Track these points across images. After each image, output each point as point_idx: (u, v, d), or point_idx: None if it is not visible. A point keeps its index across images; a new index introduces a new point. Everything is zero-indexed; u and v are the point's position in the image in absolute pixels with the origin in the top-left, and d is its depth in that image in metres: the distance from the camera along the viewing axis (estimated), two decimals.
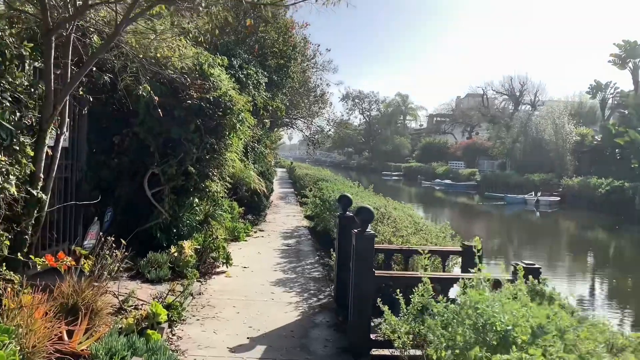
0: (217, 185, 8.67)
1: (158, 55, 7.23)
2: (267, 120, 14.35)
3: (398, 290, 4.59)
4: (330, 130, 25.27)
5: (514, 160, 54.48)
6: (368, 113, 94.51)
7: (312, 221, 16.06)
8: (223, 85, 8.07)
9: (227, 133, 8.19)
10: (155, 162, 7.72)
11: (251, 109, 9.36)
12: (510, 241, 26.87)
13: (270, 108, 13.27)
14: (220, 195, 9.35)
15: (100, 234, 5.85)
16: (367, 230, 5.46)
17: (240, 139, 8.90)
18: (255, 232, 13.43)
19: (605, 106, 48.89)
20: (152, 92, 7.06)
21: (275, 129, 25.25)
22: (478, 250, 4.41)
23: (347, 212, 7.14)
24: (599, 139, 45.53)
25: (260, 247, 11.48)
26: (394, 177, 74.35)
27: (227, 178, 9.30)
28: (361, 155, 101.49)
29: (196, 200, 8.48)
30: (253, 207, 14.35)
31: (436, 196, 52.42)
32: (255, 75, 11.64)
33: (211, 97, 7.76)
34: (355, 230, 5.59)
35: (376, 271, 5.46)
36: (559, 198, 39.91)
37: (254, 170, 13.79)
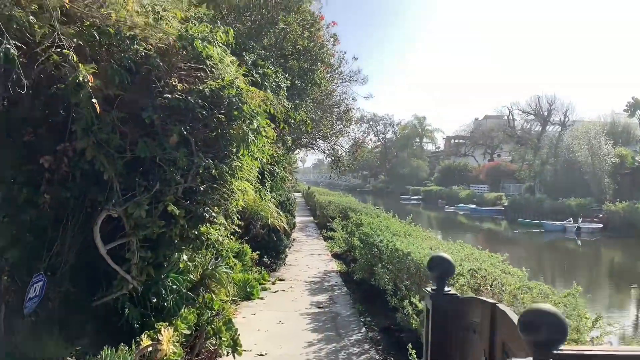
0: (218, 231, 5.56)
1: (115, 17, 4.23)
2: (288, 137, 11.32)
3: None
4: (346, 153, 22.12)
5: (543, 183, 51.08)
6: (383, 135, 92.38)
7: (342, 262, 12.86)
8: (227, 73, 5.02)
9: (235, 149, 5.10)
10: (113, 197, 4.63)
11: (270, 114, 6.33)
12: (581, 276, 23.33)
13: (293, 121, 10.22)
14: (226, 243, 6.25)
15: None
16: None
17: (256, 159, 5.78)
18: (273, 283, 10.26)
19: None
20: (105, 79, 4.07)
21: (297, 150, 22.22)
22: None
23: (447, 289, 3.96)
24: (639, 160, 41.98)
25: (281, 311, 8.29)
26: (412, 201, 71.65)
27: (236, 217, 6.20)
28: (377, 178, 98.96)
29: (184, 256, 5.38)
30: (270, 247, 11.21)
31: (461, 222, 49.22)
32: (274, 75, 8.61)
33: (207, 91, 4.69)
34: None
35: None
36: (601, 225, 36.29)
37: (272, 201, 10.69)
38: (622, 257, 30.18)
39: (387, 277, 6.88)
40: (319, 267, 12.38)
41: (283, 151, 11.76)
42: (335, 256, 14.33)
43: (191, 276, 6.32)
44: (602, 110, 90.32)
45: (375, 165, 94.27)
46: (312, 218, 26.42)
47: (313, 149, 21.42)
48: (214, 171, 5.06)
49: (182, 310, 5.68)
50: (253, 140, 5.01)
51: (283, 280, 10.66)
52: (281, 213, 11.13)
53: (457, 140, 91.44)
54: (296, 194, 45.55)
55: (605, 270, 26.37)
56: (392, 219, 11.91)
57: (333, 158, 20.15)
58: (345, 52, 18.58)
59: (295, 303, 8.85)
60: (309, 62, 11.31)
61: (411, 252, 6.28)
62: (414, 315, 5.19)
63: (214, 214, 5.18)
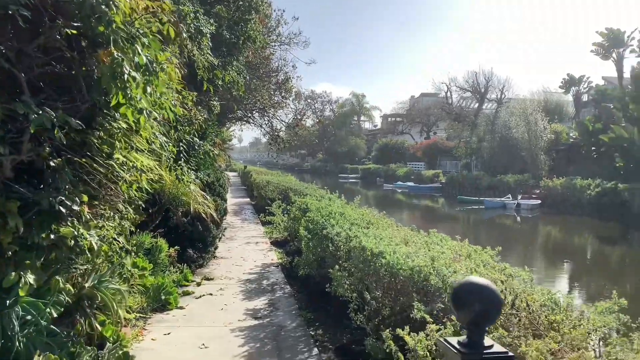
0: (93, 236, 3.50)
1: None
2: (215, 102, 9.16)
3: None
4: (285, 127, 20.03)
5: (480, 160, 51.38)
6: (321, 113, 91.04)
7: (283, 252, 11.01)
8: None
9: (104, 97, 3.03)
10: None
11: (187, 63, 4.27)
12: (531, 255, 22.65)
13: (221, 83, 8.11)
14: (115, 249, 4.20)
15: None
16: None
17: (150, 115, 3.65)
18: (198, 285, 8.22)
19: (580, 101, 46.14)
20: None
21: (228, 126, 19.89)
22: None
23: (488, 344, 2.16)
24: (574, 137, 42.62)
25: (205, 327, 6.31)
26: (351, 180, 71.33)
27: (126, 207, 4.14)
28: (315, 157, 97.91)
29: (29, 277, 3.29)
30: (195, 239, 9.12)
31: (400, 199, 48.93)
32: (192, 15, 6.46)
33: None
34: None
35: None
36: (539, 201, 36.48)
37: (197, 183, 8.59)
38: (559, 233, 30.24)
39: (348, 283, 5.06)
40: (256, 260, 10.43)
41: (210, 121, 9.61)
42: (276, 244, 12.43)
43: (64, 297, 4.22)
44: (537, 88, 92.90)
45: (313, 144, 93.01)
46: (248, 200, 24.31)
47: (249, 122, 19.17)
48: (76, 136, 2.98)
49: (37, 355, 3.61)
50: (136, 79, 2.95)
51: (211, 279, 8.64)
52: (208, 197, 9.06)
53: (394, 119, 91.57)
54: (232, 174, 43.23)
55: (544, 246, 26.13)
56: (346, 204, 10.14)
57: (271, 133, 18.03)
58: (284, 11, 16.42)
59: (225, 313, 6.88)
60: (240, 11, 9.15)
61: (384, 253, 4.50)
62: (401, 356, 3.40)
63: (75, 207, 3.11)
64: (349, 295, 4.99)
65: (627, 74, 34.02)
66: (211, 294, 7.74)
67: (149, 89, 3.18)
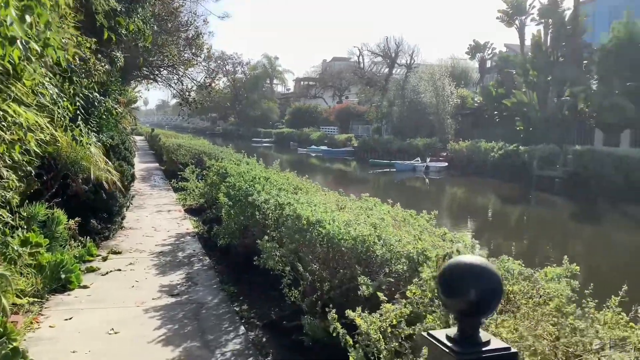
0: None
1: None
2: (118, 54, 8.06)
3: None
4: (197, 87, 18.68)
5: (391, 124, 52.50)
6: (232, 75, 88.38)
7: (199, 220, 10.29)
8: None
9: None
10: None
11: None
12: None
13: (125, 32, 7.11)
14: None
15: None
16: None
17: (27, 49, 2.81)
18: (104, 260, 7.36)
19: (484, 67, 48.09)
20: None
21: (134, 85, 18.32)
22: None
23: (485, 338, 1.76)
24: (478, 101, 44.51)
25: (115, 308, 5.58)
26: (264, 144, 70.74)
27: (9, 173, 3.33)
28: (227, 121, 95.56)
29: None
30: (99, 208, 8.16)
31: (314, 163, 49.15)
32: None
33: None
34: None
35: None
36: (446, 163, 38.00)
37: (97, 146, 7.61)
38: (465, 193, 31.71)
39: (279, 254, 4.56)
40: (169, 229, 9.64)
41: (113, 77, 8.52)
42: (190, 211, 11.65)
43: None
44: (447, 55, 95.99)
45: (225, 107, 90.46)
46: (157, 164, 22.91)
47: (156, 81, 17.72)
48: None
49: None
50: None
51: (119, 253, 7.80)
52: (113, 162, 8.09)
53: (307, 82, 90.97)
54: (138, 138, 40.77)
55: (451, 205, 27.30)
56: (266, 169, 9.57)
57: (182, 94, 16.78)
58: None
59: (137, 291, 6.16)
60: None
61: (322, 222, 4.03)
62: (349, 339, 2.97)
63: None
64: (281, 268, 4.51)
65: (528, 42, 35.67)
66: (120, 270, 6.95)
67: (28, 18, 2.38)
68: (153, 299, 5.87)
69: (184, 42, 15.75)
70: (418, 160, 38.61)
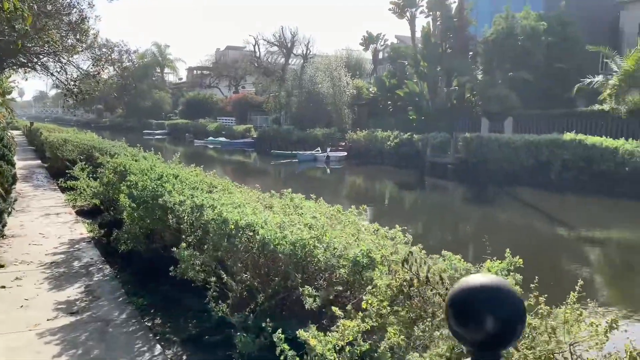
0: None
1: None
2: None
3: None
4: (83, 76, 17.05)
5: (289, 114, 52.42)
6: (120, 64, 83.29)
7: (94, 223, 9.34)
8: None
9: None
10: None
11: None
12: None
13: None
14: None
15: None
16: None
17: None
18: None
19: (377, 58, 49.44)
20: None
21: (8, 74, 16.30)
22: None
23: None
24: (373, 92, 45.72)
25: (0, 337, 4.76)
26: (157, 136, 67.86)
27: None
28: (114, 112, 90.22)
29: None
30: None
31: (212, 156, 48.03)
32: None
33: None
34: None
35: None
36: (345, 153, 38.72)
37: None
38: (364, 181, 32.48)
39: (199, 263, 4.06)
40: (60, 236, 8.61)
41: None
42: (83, 214, 10.57)
43: None
44: (339, 46, 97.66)
45: (111, 98, 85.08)
46: (39, 162, 20.76)
47: (35, 69, 15.88)
48: None
49: None
50: None
51: (2, 266, 6.77)
52: None
53: (200, 72, 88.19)
54: (15, 132, 36.98)
55: (351, 193, 27.83)
56: (169, 163, 8.86)
57: (66, 84, 15.18)
58: None
59: (27, 311, 5.32)
60: None
61: (254, 226, 3.60)
62: None
63: None
64: (202, 278, 4.02)
65: (419, 33, 37.07)
66: (4, 287, 6.00)
67: None
68: (49, 319, 5.09)
69: (66, 27, 14.22)
70: (319, 151, 38.91)
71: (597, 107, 26.15)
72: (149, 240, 6.21)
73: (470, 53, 35.24)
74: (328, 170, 35.89)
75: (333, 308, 2.68)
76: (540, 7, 31.93)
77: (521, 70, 29.83)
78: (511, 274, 3.43)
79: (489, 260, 3.59)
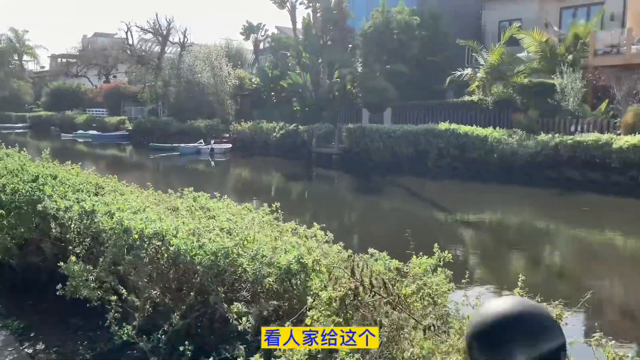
0: None
1: None
2: None
3: None
4: None
5: (168, 105, 50.10)
6: None
7: None
8: None
9: None
10: None
11: None
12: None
13: None
14: None
15: None
16: None
17: None
18: None
19: (259, 48, 48.89)
20: None
21: None
22: None
23: None
24: (256, 82, 45.19)
25: None
26: (17, 130, 61.45)
27: None
28: None
29: None
30: None
31: (83, 150, 44.45)
32: None
33: None
34: None
35: None
36: (230, 145, 37.84)
37: None
38: (251, 173, 32.06)
39: (93, 278, 3.49)
40: None
41: None
42: None
43: None
44: (219, 36, 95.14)
45: None
46: None
47: None
48: None
49: None
50: None
51: None
52: None
53: (65, 59, 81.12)
54: None
55: (238, 186, 27.33)
56: (37, 160, 7.82)
57: None
58: None
59: None
60: None
61: (163, 235, 3.12)
62: None
63: None
64: (98, 296, 3.46)
65: (299, 25, 37.21)
66: None
67: None
68: None
69: None
70: (201, 143, 37.61)
71: (467, 98, 28.12)
72: (23, 252, 5.36)
73: (350, 46, 36.05)
74: (212, 163, 34.90)
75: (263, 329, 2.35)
76: (414, 2, 33.51)
77: (398, 63, 31.15)
78: (439, 269, 3.35)
79: (414, 256, 3.48)
